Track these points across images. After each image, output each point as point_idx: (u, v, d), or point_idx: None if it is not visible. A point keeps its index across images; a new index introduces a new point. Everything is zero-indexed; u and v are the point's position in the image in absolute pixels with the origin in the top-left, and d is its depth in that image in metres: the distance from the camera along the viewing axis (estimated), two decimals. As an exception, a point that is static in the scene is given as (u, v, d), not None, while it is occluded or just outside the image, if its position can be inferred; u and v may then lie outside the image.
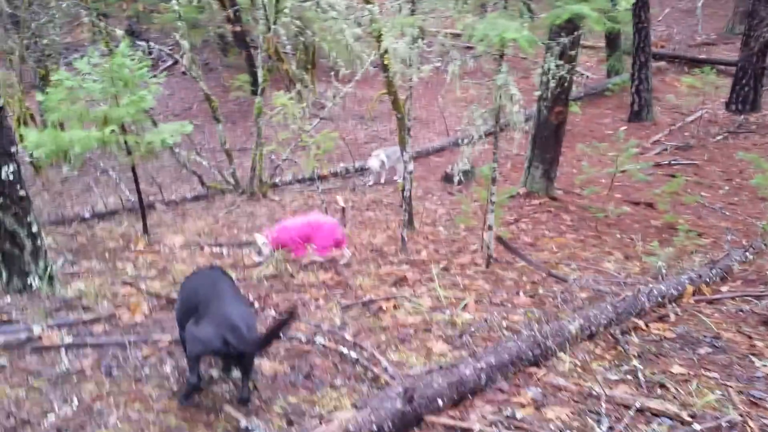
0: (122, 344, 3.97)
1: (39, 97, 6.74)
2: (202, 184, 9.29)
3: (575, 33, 6.59)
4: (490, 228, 5.98)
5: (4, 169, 4.27)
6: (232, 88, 13.35)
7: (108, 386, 3.53)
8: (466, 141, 5.82)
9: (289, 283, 5.41)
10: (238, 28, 12.01)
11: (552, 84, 6.26)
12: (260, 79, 8.96)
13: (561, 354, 4.03)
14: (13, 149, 4.36)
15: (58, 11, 9.62)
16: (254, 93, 13.83)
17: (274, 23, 8.02)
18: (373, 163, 9.48)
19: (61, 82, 6.29)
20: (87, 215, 8.38)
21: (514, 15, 5.17)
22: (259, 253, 5.73)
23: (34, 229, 4.53)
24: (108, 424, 3.16)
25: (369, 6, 6.12)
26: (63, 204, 9.33)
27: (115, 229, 7.65)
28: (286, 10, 7.79)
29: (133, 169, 6.86)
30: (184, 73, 13.12)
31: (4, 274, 4.53)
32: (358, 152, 10.85)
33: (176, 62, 12.72)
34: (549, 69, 5.48)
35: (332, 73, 9.38)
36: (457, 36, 6.67)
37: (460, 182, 7.49)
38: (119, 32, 7.70)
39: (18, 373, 3.67)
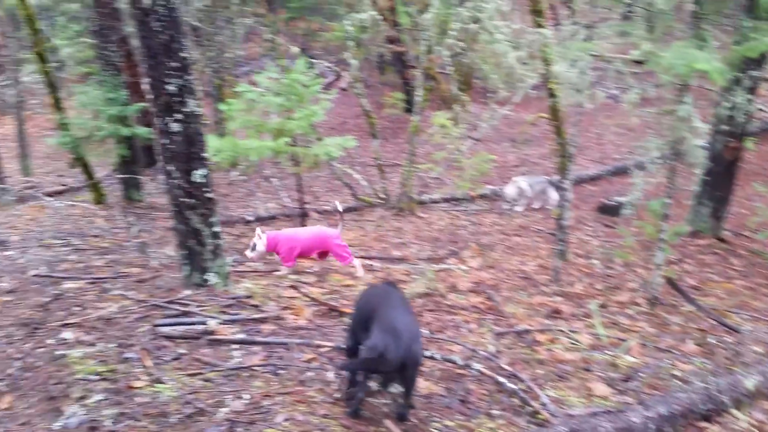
0: (287, 346, 4.16)
1: (221, 106, 7.30)
2: (354, 196, 9.60)
3: (762, 66, 6.10)
4: (657, 267, 5.63)
5: (197, 172, 4.65)
6: (386, 105, 13.71)
7: (275, 385, 3.70)
8: (636, 171, 5.55)
9: (441, 303, 5.42)
10: (399, 48, 12.34)
11: (740, 119, 5.80)
12: (417, 98, 9.12)
13: (736, 411, 3.70)
14: (204, 154, 4.74)
15: (241, 27, 10.40)
16: (407, 111, 14.17)
17: (438, 44, 8.14)
18: (510, 190, 9.32)
19: (243, 94, 6.79)
20: (250, 218, 8.94)
21: (702, 44, 4.86)
22: (253, 248, 5.93)
23: (216, 229, 4.89)
24: (275, 423, 3.31)
25: (541, 30, 6.03)
26: (228, 206, 10.03)
27: (276, 234, 8.08)
28: (452, 32, 7.87)
29: (298, 179, 7.23)
30: (343, 89, 13.70)
31: (187, 269, 4.93)
32: (507, 175, 10.71)
33: (337, 78, 13.29)
34: (735, 103, 5.09)
35: (489, 95, 9.35)
36: (632, 63, 6.40)
37: (619, 214, 7.17)
38: (295, 49, 8.18)
39: (194, 363, 3.95)
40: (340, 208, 6.57)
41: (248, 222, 8.78)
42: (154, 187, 11.22)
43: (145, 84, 11.95)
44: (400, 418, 3.38)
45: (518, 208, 9.48)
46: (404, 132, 13.88)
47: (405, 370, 3.32)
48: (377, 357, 3.24)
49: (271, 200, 10.42)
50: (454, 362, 4.08)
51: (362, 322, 3.53)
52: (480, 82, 13.62)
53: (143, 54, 4.41)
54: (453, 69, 9.19)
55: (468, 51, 9.00)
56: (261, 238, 5.92)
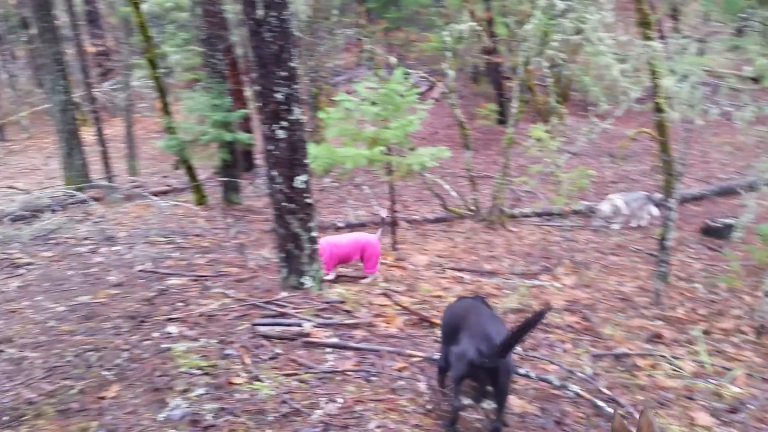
0: (379, 353, 4.19)
1: (319, 114, 7.47)
2: (444, 207, 9.57)
3: None
4: (766, 294, 5.28)
5: (299, 177, 4.78)
6: (478, 116, 13.62)
7: (367, 391, 3.73)
8: (747, 193, 5.23)
9: (534, 319, 5.29)
10: (495, 59, 12.25)
11: None
12: (512, 110, 9.00)
13: None
14: (306, 161, 4.87)
15: (341, 37, 10.67)
16: (500, 122, 14.03)
17: (538, 55, 8.00)
18: (605, 207, 9.00)
19: (341, 102, 6.92)
20: (341, 225, 9.10)
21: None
22: None
23: (314, 234, 5.01)
24: (368, 429, 3.33)
25: (649, 43, 5.81)
26: (319, 212, 10.25)
27: (365, 241, 8.17)
28: (554, 43, 7.72)
29: (391, 188, 7.29)
30: (435, 99, 13.72)
31: (284, 272, 5.07)
32: (603, 192, 10.37)
33: (430, 88, 13.33)
34: None
35: (589, 108, 9.09)
36: (746, 79, 6.05)
37: (725, 236, 6.79)
38: (393, 60, 8.28)
39: (290, 364, 4.04)
40: (383, 215, 6.59)
41: (339, 228, 8.94)
42: (251, 191, 11.64)
43: (247, 91, 12.52)
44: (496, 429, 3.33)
45: (615, 226, 9.14)
46: (496, 144, 13.75)
47: (497, 376, 3.26)
48: (468, 361, 3.23)
49: (362, 207, 10.56)
50: (549, 382, 3.97)
51: (452, 333, 3.52)
52: (578, 95, 13.28)
53: (254, 63, 4.58)
54: (552, 81, 8.99)
55: (569, 62, 8.79)
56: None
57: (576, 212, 9.65)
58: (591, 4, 8.59)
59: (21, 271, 6.43)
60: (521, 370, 4.07)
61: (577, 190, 7.46)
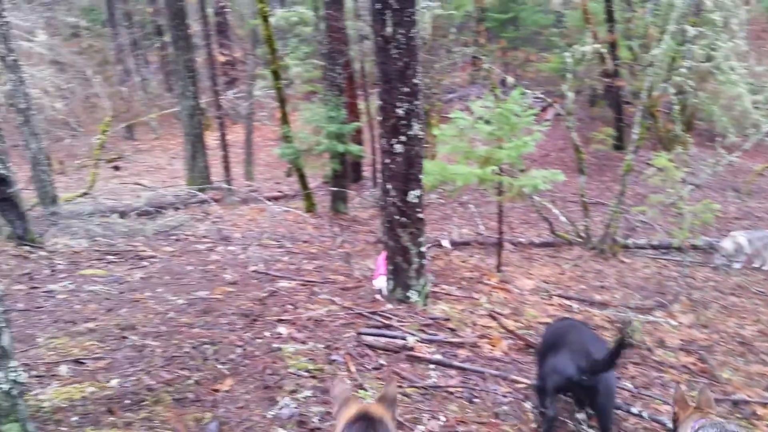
0: (482, 375, 4.14)
1: (433, 131, 7.53)
2: (552, 231, 9.33)
3: None
4: None
5: (412, 192, 4.83)
6: (594, 140, 13.21)
7: (470, 412, 3.69)
8: None
9: (647, 357, 5.05)
10: (617, 83, 11.86)
11: None
12: (634, 136, 8.65)
13: None
14: (421, 176, 4.91)
15: (459, 55, 10.75)
16: (616, 148, 13.55)
17: (664, 81, 7.67)
18: (727, 245, 8.41)
19: (456, 120, 6.94)
20: (444, 242, 9.08)
21: None
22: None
23: (423, 249, 5.04)
24: (471, 451, 3.30)
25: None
26: (424, 227, 10.29)
27: (469, 260, 8.13)
28: (682, 70, 7.38)
29: (500, 209, 7.20)
30: (547, 120, 13.46)
31: (391, 284, 5.12)
32: (726, 228, 9.74)
33: (544, 109, 13.09)
34: None
35: (716, 139, 8.60)
36: None
37: None
38: (510, 79, 8.21)
39: (393, 376, 4.08)
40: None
41: (442, 245, 8.93)
42: (358, 202, 11.89)
43: (361, 105, 12.83)
44: None
45: (736, 266, 8.55)
46: (610, 170, 13.27)
47: (596, 396, 3.19)
48: (565, 375, 3.19)
49: (466, 226, 10.50)
50: (662, 423, 3.76)
51: (550, 350, 3.48)
52: (703, 124, 12.59)
53: (378, 78, 4.69)
54: (677, 108, 8.58)
55: (696, 90, 8.36)
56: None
57: (695, 247, 9.11)
58: (723, 32, 8.16)
59: (144, 263, 6.89)
60: (633, 409, 3.89)
61: (699, 225, 7.04)
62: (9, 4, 8.77)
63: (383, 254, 5.72)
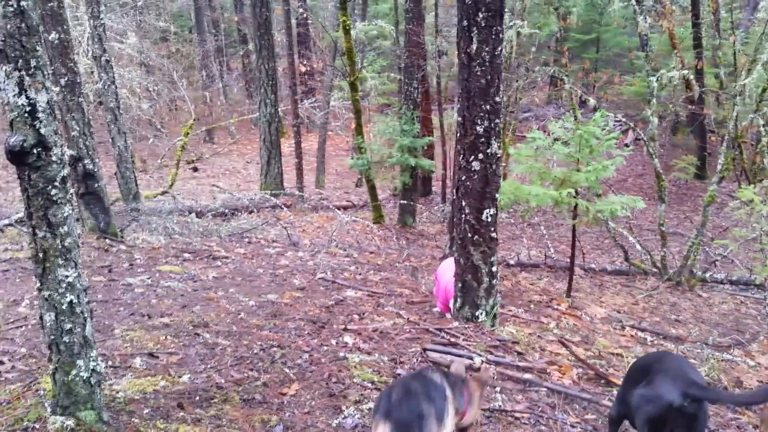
0: (552, 404, 4.03)
1: (509, 150, 7.45)
2: (627, 260, 9.04)
3: None
4: None
5: (487, 210, 4.79)
6: (674, 168, 12.76)
7: (536, 440, 3.60)
8: None
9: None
10: (702, 110, 11.43)
11: None
12: (718, 166, 8.30)
13: None
14: (497, 195, 4.86)
15: (540, 74, 10.65)
16: (698, 177, 13.05)
17: (756, 111, 7.33)
18: None
19: (534, 140, 6.84)
20: (511, 262, 8.94)
21: None
22: None
23: (494, 269, 4.97)
24: (535, 480, 3.21)
25: None
26: (492, 246, 10.17)
27: (537, 282, 7.96)
28: (775, 100, 7.04)
29: (573, 233, 7.03)
30: (626, 145, 13.10)
31: (459, 302, 5.08)
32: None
33: (624, 133, 12.77)
34: None
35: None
36: None
37: None
38: (592, 101, 8.05)
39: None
40: None
41: (509, 265, 8.79)
42: (426, 217, 11.88)
43: (435, 120, 12.85)
44: None
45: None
46: (690, 199, 12.79)
47: (696, 425, 2.92)
48: (666, 403, 2.89)
49: (535, 248, 10.32)
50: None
51: (639, 377, 3.18)
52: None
53: (459, 95, 4.68)
54: (766, 140, 8.18)
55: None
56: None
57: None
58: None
59: (218, 263, 7.09)
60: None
61: (787, 263, 6.67)
62: (103, 5, 9.25)
63: (443, 270, 5.57)
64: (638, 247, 9.19)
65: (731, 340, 6.59)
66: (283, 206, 10.68)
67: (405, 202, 10.80)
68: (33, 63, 2.60)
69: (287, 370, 4.06)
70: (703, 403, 2.92)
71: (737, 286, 8.73)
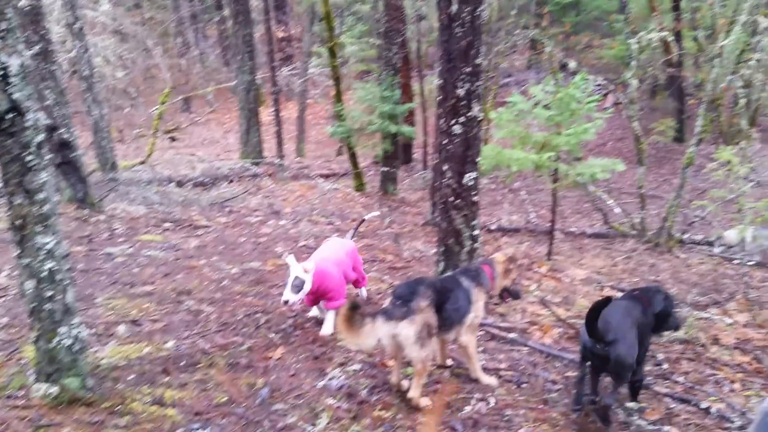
0: (533, 362, 4.10)
1: (490, 114, 7.44)
2: (606, 222, 9.14)
3: None
4: None
5: (468, 174, 4.79)
6: (653, 131, 12.84)
7: (518, 397, 3.67)
8: None
9: (701, 354, 4.91)
10: (680, 73, 11.47)
11: None
12: (696, 129, 8.36)
13: None
14: (478, 159, 4.86)
15: (520, 38, 10.57)
16: (676, 140, 13.15)
17: (733, 73, 7.37)
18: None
19: (515, 104, 6.82)
20: (493, 227, 9.00)
21: None
22: (298, 288, 3.97)
23: (475, 232, 5.00)
24: (517, 435, 3.28)
25: None
26: (474, 211, 10.21)
27: (518, 247, 8.04)
28: (751, 62, 7.07)
29: (554, 196, 7.08)
30: (606, 108, 13.15)
31: (441, 266, 5.11)
32: (789, 227, 9.36)
33: (604, 96, 12.80)
34: None
35: (785, 135, 8.24)
36: None
37: None
38: (572, 64, 8.02)
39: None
40: (366, 217, 5.85)
41: (491, 230, 8.85)
42: (407, 183, 11.88)
43: (415, 86, 12.75)
44: (605, 407, 3.35)
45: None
46: (669, 162, 12.90)
47: (611, 365, 3.29)
48: (581, 346, 3.42)
49: (516, 213, 10.38)
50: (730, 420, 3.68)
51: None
52: (765, 120, 12.11)
53: (440, 57, 4.64)
54: (744, 101, 8.24)
55: (765, 84, 8.02)
56: (299, 269, 4.03)
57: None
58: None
59: (199, 232, 7.04)
60: (703, 404, 3.82)
61: (759, 222, 6.77)
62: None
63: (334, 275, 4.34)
64: (617, 209, 9.28)
65: (709, 300, 6.72)
66: (263, 175, 10.60)
67: (386, 169, 10.76)
68: (4, 26, 2.52)
69: (272, 335, 4.08)
70: (614, 345, 3.25)
71: (712, 246, 8.88)
